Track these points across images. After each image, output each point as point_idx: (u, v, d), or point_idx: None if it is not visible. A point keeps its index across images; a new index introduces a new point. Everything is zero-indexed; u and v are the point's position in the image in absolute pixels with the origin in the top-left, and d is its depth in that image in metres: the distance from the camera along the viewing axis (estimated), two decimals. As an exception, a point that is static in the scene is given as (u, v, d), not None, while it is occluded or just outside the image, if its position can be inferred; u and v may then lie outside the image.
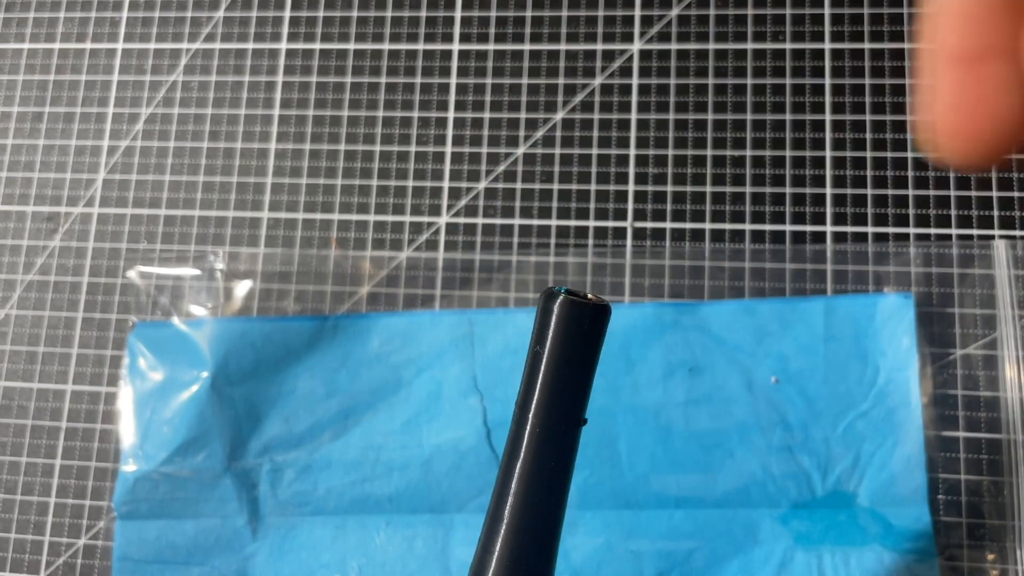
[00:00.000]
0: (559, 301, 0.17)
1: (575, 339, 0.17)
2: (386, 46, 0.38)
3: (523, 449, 0.17)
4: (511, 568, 0.17)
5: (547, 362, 0.17)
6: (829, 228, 0.33)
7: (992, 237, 0.33)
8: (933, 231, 0.33)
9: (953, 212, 0.33)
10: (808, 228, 0.34)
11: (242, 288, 0.35)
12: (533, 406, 0.17)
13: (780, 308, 0.32)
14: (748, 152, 0.34)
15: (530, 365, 0.17)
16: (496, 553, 0.17)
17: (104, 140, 0.38)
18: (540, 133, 0.36)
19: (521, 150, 0.36)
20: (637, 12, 0.36)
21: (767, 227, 0.34)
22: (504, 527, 0.17)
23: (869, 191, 0.34)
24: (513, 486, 0.17)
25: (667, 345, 0.32)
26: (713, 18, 0.36)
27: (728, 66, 0.35)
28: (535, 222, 0.35)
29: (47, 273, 0.37)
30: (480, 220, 0.35)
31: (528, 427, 0.17)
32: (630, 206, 0.35)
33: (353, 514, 0.33)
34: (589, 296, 0.17)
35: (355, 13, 0.38)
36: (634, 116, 0.35)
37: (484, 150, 0.36)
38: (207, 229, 0.37)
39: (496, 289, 0.34)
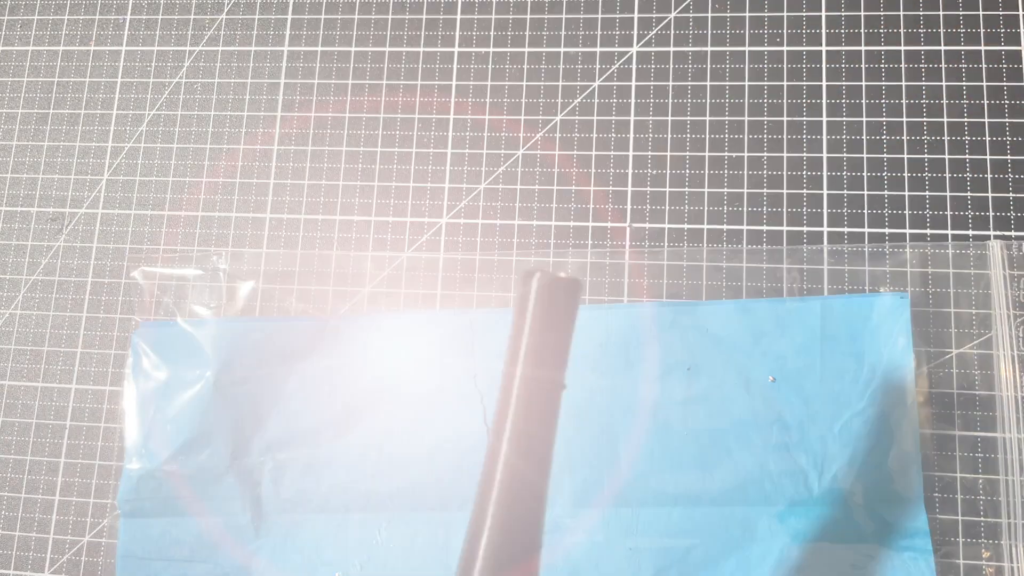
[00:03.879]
0: (536, 277, 0.19)
1: (552, 309, 0.19)
2: (387, 48, 0.38)
3: (512, 406, 0.19)
4: (507, 516, 0.19)
5: (529, 330, 0.19)
6: (825, 229, 0.34)
7: (987, 237, 0.33)
8: (929, 231, 0.33)
9: (948, 213, 0.33)
10: (805, 229, 0.34)
11: (245, 288, 0.35)
12: (519, 367, 0.19)
13: (777, 308, 0.32)
14: (745, 153, 0.35)
15: (514, 335, 0.20)
16: (491, 506, 0.18)
17: (108, 141, 0.38)
18: (540, 134, 0.36)
19: (521, 151, 0.36)
20: (635, 15, 0.37)
21: (764, 228, 0.34)
22: (498, 483, 0.19)
23: (865, 192, 0.34)
24: (504, 445, 0.19)
25: (665, 345, 0.32)
26: (711, 20, 0.36)
27: (726, 68, 0.36)
28: (535, 222, 0.35)
29: (52, 273, 0.37)
30: (480, 220, 0.36)
31: (516, 384, 0.19)
32: (629, 207, 0.35)
33: (355, 512, 0.33)
34: (561, 274, 0.20)
35: (356, 16, 0.38)
36: (632, 117, 0.36)
37: (484, 151, 0.36)
38: (210, 230, 0.37)
39: (496, 289, 0.35)
